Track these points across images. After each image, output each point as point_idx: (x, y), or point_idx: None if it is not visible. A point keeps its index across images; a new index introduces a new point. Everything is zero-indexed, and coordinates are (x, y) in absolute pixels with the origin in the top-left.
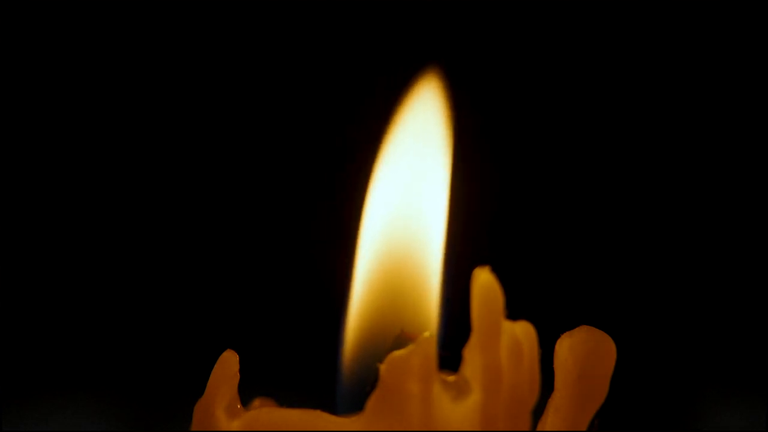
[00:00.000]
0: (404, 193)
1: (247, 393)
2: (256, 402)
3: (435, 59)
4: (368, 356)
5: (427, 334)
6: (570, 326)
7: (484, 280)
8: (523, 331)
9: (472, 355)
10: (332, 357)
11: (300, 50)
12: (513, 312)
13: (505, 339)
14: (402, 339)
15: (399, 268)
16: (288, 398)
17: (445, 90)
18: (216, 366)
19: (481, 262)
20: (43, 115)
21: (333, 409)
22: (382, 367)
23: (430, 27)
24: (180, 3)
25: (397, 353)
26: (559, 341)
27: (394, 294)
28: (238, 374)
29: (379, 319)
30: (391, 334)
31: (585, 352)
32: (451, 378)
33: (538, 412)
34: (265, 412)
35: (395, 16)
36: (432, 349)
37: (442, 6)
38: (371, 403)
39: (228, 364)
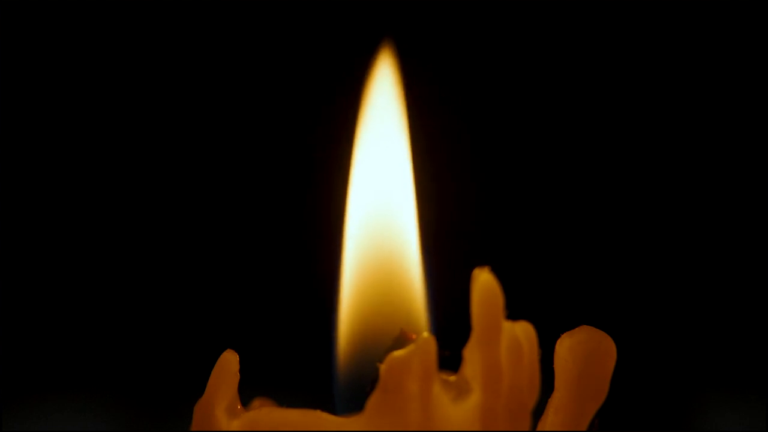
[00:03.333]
0: (384, 190)
1: (247, 393)
2: (256, 402)
3: (388, 39)
4: (368, 356)
5: (427, 334)
6: (570, 326)
7: (484, 281)
8: (523, 331)
9: (472, 355)
10: (332, 357)
11: (258, 46)
12: (513, 312)
13: (505, 339)
14: (402, 339)
15: (388, 267)
16: (288, 398)
17: (402, 82)
18: (216, 366)
19: (478, 262)
20: (43, 116)
21: (333, 409)
22: (382, 367)
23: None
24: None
25: (397, 353)
26: (559, 341)
27: (385, 293)
28: (238, 374)
29: (372, 318)
30: (389, 334)
31: (585, 352)
32: (451, 378)
33: (538, 412)
34: (265, 412)
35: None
36: (432, 349)
37: None
38: (371, 403)
39: (228, 364)
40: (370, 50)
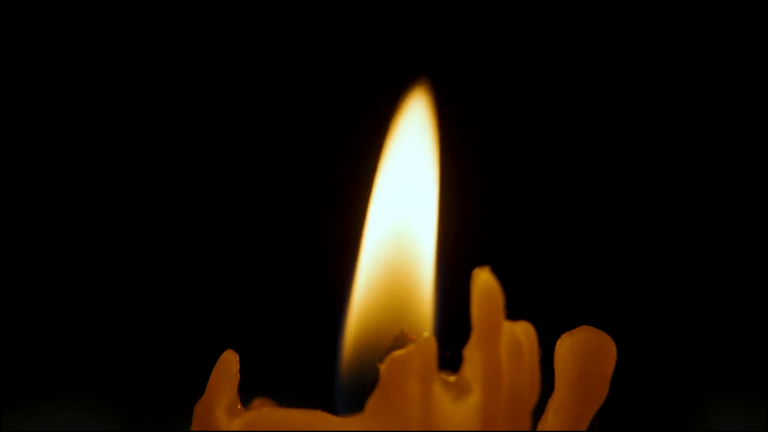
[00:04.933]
0: (400, 197)
1: (247, 393)
2: (256, 402)
3: (423, 68)
4: (368, 356)
5: (427, 334)
6: (570, 326)
7: (484, 280)
8: (523, 331)
9: (472, 355)
10: (332, 357)
11: (295, 57)
12: (513, 312)
13: (505, 339)
14: (402, 339)
15: (396, 269)
16: (288, 398)
17: (434, 97)
18: (216, 366)
19: (480, 262)
20: (43, 116)
21: (333, 409)
22: (382, 367)
23: (417, 36)
24: (170, 7)
25: (397, 353)
26: (559, 341)
27: (392, 295)
28: (238, 374)
29: (377, 319)
30: (390, 334)
31: (585, 352)
32: (451, 378)
33: (538, 412)
34: (265, 412)
35: (384, 26)
36: (432, 349)
37: (430, 15)
38: (371, 403)
39: (228, 364)
40: (406, 80)
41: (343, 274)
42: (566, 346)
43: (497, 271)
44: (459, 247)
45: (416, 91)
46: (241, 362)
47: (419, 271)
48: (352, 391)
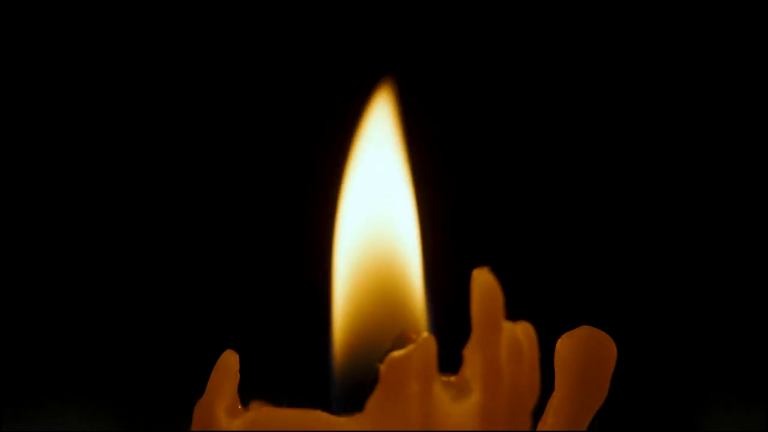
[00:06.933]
0: (381, 197)
1: (247, 393)
2: (253, 405)
3: (390, 69)
4: (368, 356)
5: (426, 333)
6: (570, 326)
7: (484, 281)
8: (523, 331)
9: (472, 355)
10: (329, 358)
11: (262, 56)
12: (513, 312)
13: (505, 339)
14: (402, 339)
15: (385, 269)
16: (288, 398)
17: (400, 97)
18: (216, 366)
19: (478, 262)
20: (43, 116)
21: (333, 409)
22: (382, 367)
23: (382, 36)
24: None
25: (397, 353)
26: (559, 341)
27: (383, 294)
28: (238, 374)
29: (370, 319)
30: (388, 335)
31: (585, 353)
32: (451, 378)
33: (538, 412)
34: (265, 412)
35: (345, 27)
36: (432, 349)
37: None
38: (371, 403)
39: (228, 364)
40: (371, 83)
41: (334, 276)
42: (566, 346)
43: (497, 271)
44: (459, 246)
45: (382, 92)
46: (241, 362)
47: (403, 267)
48: (349, 391)
